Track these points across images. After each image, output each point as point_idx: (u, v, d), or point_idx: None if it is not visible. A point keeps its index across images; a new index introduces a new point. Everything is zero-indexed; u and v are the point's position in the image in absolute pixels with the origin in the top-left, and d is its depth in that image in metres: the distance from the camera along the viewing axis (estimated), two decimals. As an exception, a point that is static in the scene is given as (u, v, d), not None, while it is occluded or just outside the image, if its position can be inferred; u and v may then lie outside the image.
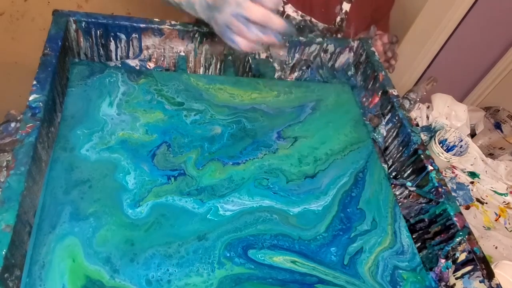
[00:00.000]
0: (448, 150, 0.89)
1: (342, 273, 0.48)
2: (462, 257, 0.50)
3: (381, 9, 0.91)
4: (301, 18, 0.81)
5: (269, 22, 0.52)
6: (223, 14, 0.52)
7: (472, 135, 1.02)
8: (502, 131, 0.97)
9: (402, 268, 0.51)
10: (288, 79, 0.75)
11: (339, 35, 0.86)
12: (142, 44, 0.64)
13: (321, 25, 0.82)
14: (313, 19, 0.82)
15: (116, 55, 0.65)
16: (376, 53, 0.71)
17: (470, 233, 0.51)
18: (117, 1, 1.06)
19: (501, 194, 0.91)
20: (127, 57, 0.66)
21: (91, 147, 0.51)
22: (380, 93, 0.68)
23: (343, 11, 0.83)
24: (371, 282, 0.48)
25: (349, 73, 0.75)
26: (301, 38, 0.70)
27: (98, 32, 0.61)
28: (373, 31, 0.84)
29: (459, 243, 0.51)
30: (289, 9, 0.80)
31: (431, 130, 0.97)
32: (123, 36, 0.63)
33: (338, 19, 0.84)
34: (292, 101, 0.66)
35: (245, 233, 0.49)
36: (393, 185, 0.61)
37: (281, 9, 0.80)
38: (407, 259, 0.52)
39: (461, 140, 0.89)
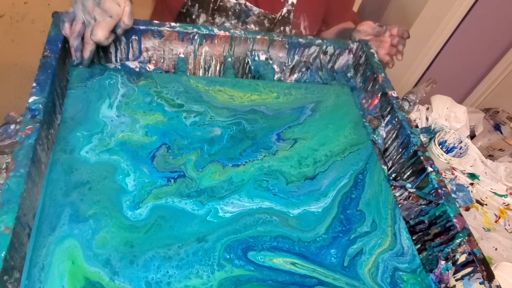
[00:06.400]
0: (447, 151, 0.89)
1: (342, 274, 0.48)
2: (462, 258, 0.50)
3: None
4: (235, 1, 0.79)
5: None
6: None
7: (472, 136, 1.02)
8: (501, 133, 0.97)
9: (402, 269, 0.50)
10: (288, 81, 0.75)
11: (287, 28, 0.84)
12: (142, 46, 0.64)
13: (256, 9, 0.80)
14: (248, 4, 0.79)
15: (115, 57, 0.65)
16: (376, 55, 0.72)
17: (470, 234, 0.51)
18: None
19: (500, 196, 0.91)
20: (127, 59, 0.66)
21: (91, 149, 0.51)
22: (379, 95, 0.68)
23: (289, 2, 0.82)
24: (371, 283, 0.48)
25: (349, 74, 0.75)
26: (300, 39, 0.70)
27: (98, 34, 0.61)
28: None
29: (459, 245, 0.51)
30: None
31: (430, 132, 0.97)
32: (122, 38, 0.63)
33: (284, 10, 0.82)
34: (292, 103, 0.66)
35: (244, 235, 0.48)
36: (392, 187, 0.61)
37: None
38: (407, 260, 0.51)
39: (461, 142, 0.89)
